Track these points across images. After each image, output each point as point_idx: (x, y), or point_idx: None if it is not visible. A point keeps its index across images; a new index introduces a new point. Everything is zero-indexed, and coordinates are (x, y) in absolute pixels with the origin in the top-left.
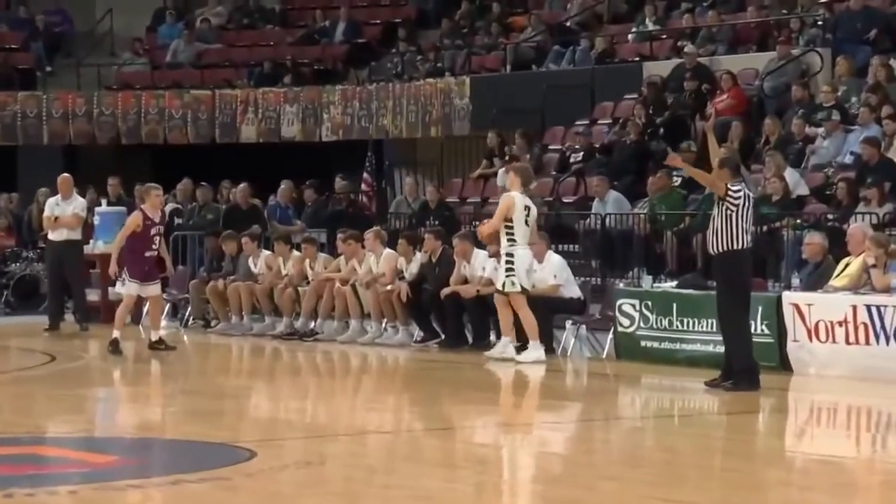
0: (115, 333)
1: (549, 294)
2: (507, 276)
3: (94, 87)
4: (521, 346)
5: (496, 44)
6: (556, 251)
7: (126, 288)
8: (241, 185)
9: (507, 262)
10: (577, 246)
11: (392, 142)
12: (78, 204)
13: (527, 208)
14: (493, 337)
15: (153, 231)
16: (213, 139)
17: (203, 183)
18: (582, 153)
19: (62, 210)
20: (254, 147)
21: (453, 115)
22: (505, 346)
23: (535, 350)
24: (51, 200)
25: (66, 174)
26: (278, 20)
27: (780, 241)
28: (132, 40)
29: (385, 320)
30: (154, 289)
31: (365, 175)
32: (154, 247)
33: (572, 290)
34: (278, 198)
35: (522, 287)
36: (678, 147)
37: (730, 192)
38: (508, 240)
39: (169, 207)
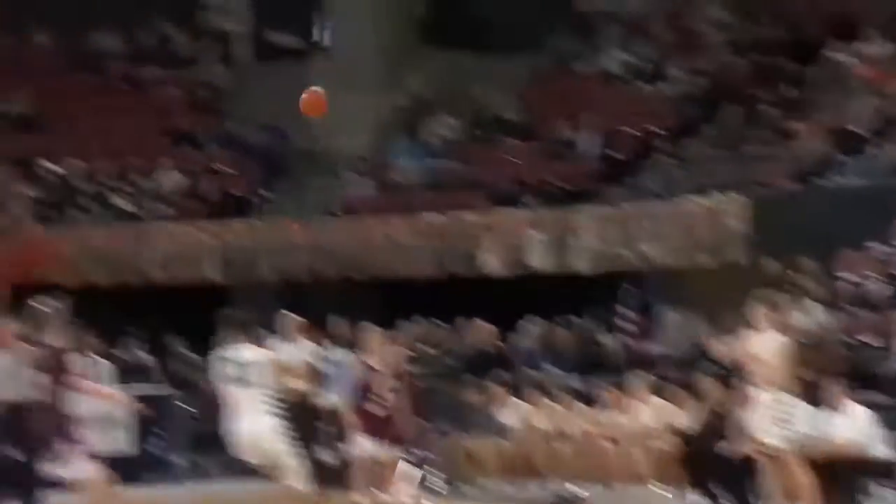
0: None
1: (850, 453)
2: (780, 428)
3: (316, 214)
4: None
5: (773, 154)
6: (854, 399)
7: (359, 447)
8: (485, 325)
9: (784, 412)
10: (881, 394)
11: (655, 272)
12: (306, 350)
13: None
14: None
15: (381, 382)
16: (449, 271)
17: (439, 322)
18: (882, 283)
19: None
20: (495, 280)
21: (726, 240)
22: None
23: None
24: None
25: (291, 315)
26: (519, 132)
27: None
28: (355, 158)
29: (661, 484)
30: (389, 451)
31: (625, 311)
32: (386, 402)
33: (879, 448)
34: (526, 338)
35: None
36: None
37: None
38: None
39: (400, 351)
